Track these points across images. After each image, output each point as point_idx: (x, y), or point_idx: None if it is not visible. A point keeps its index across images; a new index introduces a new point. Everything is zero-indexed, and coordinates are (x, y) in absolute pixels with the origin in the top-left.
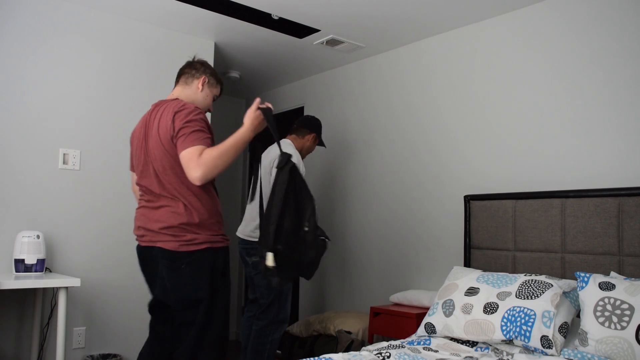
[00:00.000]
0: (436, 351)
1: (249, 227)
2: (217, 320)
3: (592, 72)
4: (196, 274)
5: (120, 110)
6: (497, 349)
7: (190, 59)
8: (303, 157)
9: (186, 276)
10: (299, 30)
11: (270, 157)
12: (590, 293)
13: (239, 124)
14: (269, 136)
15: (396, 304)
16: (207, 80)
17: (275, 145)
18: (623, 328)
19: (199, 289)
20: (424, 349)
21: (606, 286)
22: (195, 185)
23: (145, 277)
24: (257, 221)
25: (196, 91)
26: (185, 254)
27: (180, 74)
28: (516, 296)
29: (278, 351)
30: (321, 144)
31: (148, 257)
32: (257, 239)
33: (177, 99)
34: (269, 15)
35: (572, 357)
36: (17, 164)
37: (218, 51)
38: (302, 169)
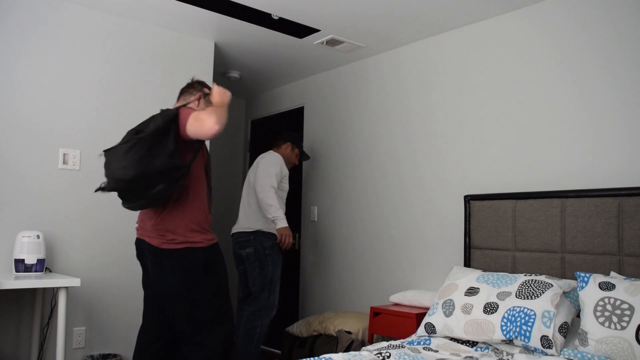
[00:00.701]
0: (436, 351)
1: (241, 224)
2: (208, 311)
3: (592, 72)
4: (175, 269)
5: (120, 109)
6: (497, 349)
7: (190, 82)
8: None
9: (166, 271)
10: (299, 30)
11: (255, 161)
12: (590, 293)
13: (238, 123)
14: (265, 144)
15: (396, 304)
16: (201, 97)
17: (263, 154)
18: (623, 328)
19: (177, 283)
20: (424, 349)
21: (606, 286)
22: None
23: (140, 262)
24: (250, 218)
25: (193, 106)
26: (166, 251)
27: (181, 93)
28: (516, 296)
29: (278, 351)
30: (303, 156)
31: (140, 248)
32: (250, 229)
33: None
34: (269, 15)
35: (572, 357)
36: (17, 164)
37: (218, 51)
38: (284, 171)
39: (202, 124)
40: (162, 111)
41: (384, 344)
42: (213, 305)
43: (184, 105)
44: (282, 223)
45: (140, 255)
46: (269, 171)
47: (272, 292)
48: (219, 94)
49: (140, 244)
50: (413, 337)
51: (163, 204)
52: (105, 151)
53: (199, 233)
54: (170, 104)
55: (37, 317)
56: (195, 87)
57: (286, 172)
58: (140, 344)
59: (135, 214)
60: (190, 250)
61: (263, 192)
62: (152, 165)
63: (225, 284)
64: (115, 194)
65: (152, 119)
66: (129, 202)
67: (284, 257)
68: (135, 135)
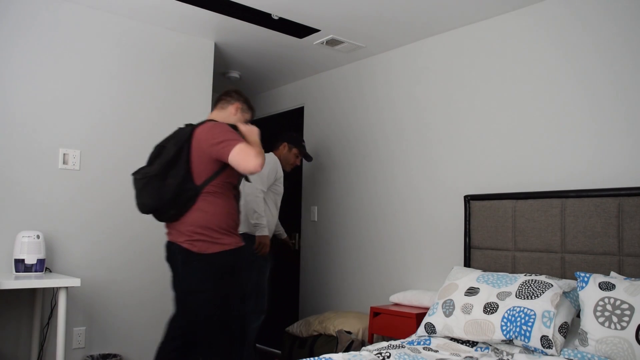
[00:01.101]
0: (436, 351)
1: None
2: (228, 312)
3: (592, 72)
4: (204, 270)
5: (120, 110)
6: (497, 349)
7: (227, 90)
8: (283, 166)
9: (195, 271)
10: (299, 30)
11: None
12: (590, 293)
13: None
14: (265, 144)
15: (396, 304)
16: (240, 107)
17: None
18: (623, 328)
19: (205, 283)
20: (424, 349)
21: (606, 286)
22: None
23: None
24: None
25: (230, 115)
26: (196, 253)
27: (218, 101)
28: (516, 296)
29: (278, 351)
30: (306, 157)
31: (170, 250)
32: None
33: (211, 120)
34: (269, 15)
35: (572, 357)
36: (17, 164)
37: (218, 51)
38: (278, 173)
39: (249, 160)
40: (177, 135)
41: (384, 344)
42: (234, 305)
43: (212, 121)
44: (262, 231)
45: (170, 257)
46: (260, 173)
47: (259, 298)
48: (251, 133)
49: (171, 247)
50: (413, 337)
51: (189, 210)
52: (133, 174)
53: (228, 236)
54: (170, 103)
55: (37, 317)
56: (232, 95)
57: (280, 174)
58: (168, 336)
59: (136, 216)
60: (219, 252)
61: (251, 196)
62: (164, 197)
63: (246, 287)
64: (113, 192)
65: (164, 146)
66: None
67: (284, 257)
68: (149, 171)
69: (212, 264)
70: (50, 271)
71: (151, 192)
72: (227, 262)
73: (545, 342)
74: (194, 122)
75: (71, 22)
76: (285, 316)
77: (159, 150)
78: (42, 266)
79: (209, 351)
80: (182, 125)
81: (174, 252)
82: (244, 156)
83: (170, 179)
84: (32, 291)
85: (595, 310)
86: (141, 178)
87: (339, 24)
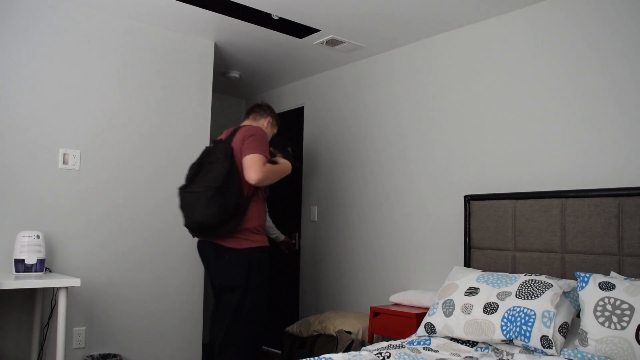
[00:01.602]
0: (436, 351)
1: None
2: (251, 304)
3: (592, 72)
4: (234, 265)
5: (120, 110)
6: (497, 349)
7: (259, 103)
8: None
9: (226, 265)
10: (299, 30)
11: None
12: (590, 293)
13: (237, 123)
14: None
15: (396, 304)
16: (271, 121)
17: None
18: (623, 328)
19: (235, 276)
20: (424, 349)
21: (606, 286)
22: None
23: (202, 260)
24: None
25: (261, 127)
26: (228, 248)
27: (251, 111)
28: (516, 296)
29: (278, 351)
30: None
31: (202, 249)
32: None
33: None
34: (269, 15)
35: (572, 357)
36: (17, 164)
37: (218, 51)
38: None
39: (251, 169)
40: (219, 148)
41: (384, 344)
42: (258, 299)
43: (240, 127)
44: None
45: (204, 255)
46: None
47: None
48: (284, 165)
49: (204, 246)
50: (413, 337)
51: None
52: (183, 191)
53: (257, 234)
54: (170, 103)
55: (37, 317)
56: (265, 110)
57: None
58: (212, 335)
59: (136, 216)
60: (248, 248)
61: None
62: (229, 207)
63: (269, 283)
64: (113, 191)
65: (217, 158)
66: (198, 235)
67: (284, 258)
68: (212, 184)
69: (242, 258)
70: (50, 271)
71: (218, 202)
72: (254, 257)
73: (545, 342)
74: (194, 122)
75: (71, 22)
76: (285, 316)
77: (198, 167)
78: (42, 266)
79: (234, 344)
80: (208, 144)
81: (206, 250)
82: (250, 165)
83: (230, 190)
84: (32, 291)
85: (595, 310)
86: (205, 190)
87: (339, 24)
